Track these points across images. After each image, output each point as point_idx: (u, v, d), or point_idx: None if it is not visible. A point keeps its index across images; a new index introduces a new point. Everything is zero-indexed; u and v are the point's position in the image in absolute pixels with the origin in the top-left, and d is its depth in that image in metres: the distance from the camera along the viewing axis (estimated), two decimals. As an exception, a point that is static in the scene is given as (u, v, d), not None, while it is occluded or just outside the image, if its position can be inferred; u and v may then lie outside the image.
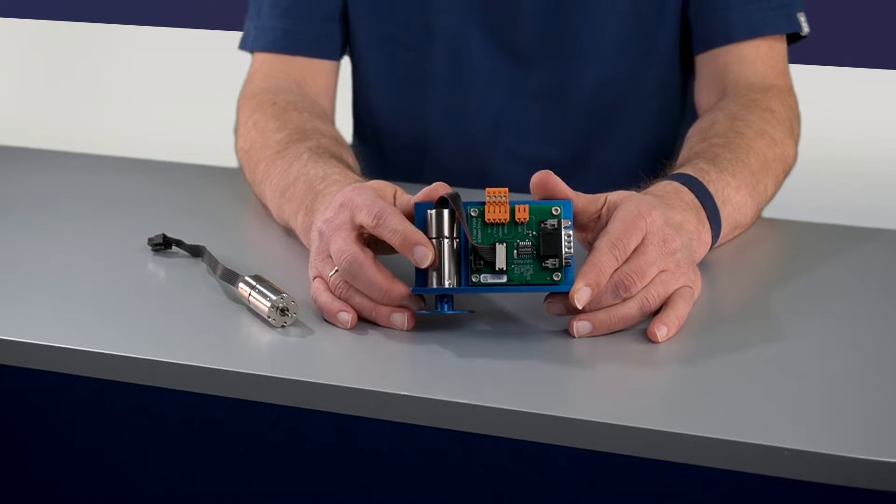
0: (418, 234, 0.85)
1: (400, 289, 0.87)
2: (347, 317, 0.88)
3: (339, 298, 0.89)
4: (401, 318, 0.87)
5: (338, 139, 1.14)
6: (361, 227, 0.88)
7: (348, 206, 0.89)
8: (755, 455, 0.73)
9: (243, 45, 1.33)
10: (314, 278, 0.91)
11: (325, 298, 0.89)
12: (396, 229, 0.86)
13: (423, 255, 0.84)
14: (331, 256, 0.89)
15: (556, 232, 0.86)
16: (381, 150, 1.36)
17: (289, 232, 1.07)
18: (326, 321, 0.89)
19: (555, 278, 0.86)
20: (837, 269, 1.02)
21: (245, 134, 1.19)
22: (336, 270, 0.89)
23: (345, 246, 0.87)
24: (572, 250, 0.86)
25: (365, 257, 0.87)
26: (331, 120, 1.25)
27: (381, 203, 0.87)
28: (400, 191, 0.91)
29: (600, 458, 0.80)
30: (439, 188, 0.87)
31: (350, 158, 1.10)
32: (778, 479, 0.73)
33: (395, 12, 1.30)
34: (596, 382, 0.83)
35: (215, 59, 3.39)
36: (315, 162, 1.05)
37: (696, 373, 0.83)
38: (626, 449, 0.76)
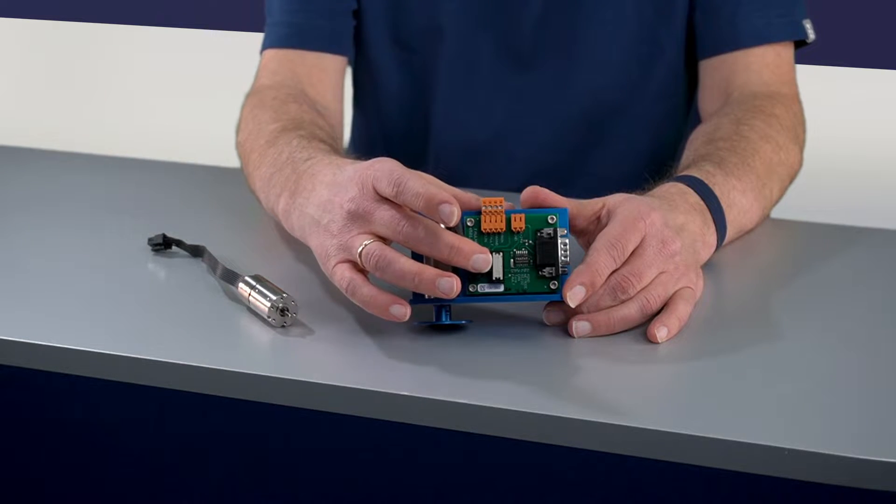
0: (442, 194, 0.82)
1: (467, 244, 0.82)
2: (403, 311, 0.83)
3: (371, 270, 0.84)
4: (448, 284, 0.82)
5: (333, 134, 1.12)
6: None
7: (369, 176, 0.85)
8: (755, 455, 0.73)
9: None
10: (339, 263, 0.86)
11: (369, 291, 0.84)
12: (419, 192, 0.82)
13: (450, 213, 0.81)
14: (361, 234, 0.85)
15: (553, 240, 0.86)
16: (388, 150, 1.36)
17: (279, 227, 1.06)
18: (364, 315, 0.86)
19: (552, 287, 0.86)
20: (837, 269, 1.02)
21: (244, 128, 1.18)
22: (364, 245, 0.84)
23: (395, 212, 0.84)
24: (569, 258, 0.86)
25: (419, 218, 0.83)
26: (335, 119, 1.24)
27: (400, 170, 0.84)
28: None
29: (601, 458, 0.80)
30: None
31: (341, 149, 1.07)
32: (778, 479, 0.73)
33: (405, 15, 1.30)
34: (596, 382, 0.83)
35: (215, 59, 3.39)
36: (303, 147, 1.01)
37: (696, 373, 0.83)
38: (626, 449, 0.76)
